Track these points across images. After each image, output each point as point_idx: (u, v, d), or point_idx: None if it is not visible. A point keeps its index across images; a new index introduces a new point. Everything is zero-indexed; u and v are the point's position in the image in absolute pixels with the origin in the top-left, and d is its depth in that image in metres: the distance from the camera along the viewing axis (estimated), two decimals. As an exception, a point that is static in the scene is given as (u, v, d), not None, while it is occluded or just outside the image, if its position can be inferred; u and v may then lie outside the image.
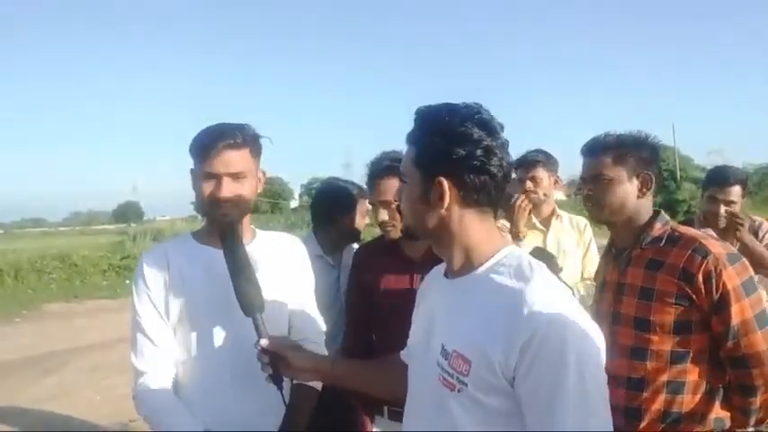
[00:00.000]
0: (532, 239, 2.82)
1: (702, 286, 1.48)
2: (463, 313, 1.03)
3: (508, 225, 2.53)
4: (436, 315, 1.11)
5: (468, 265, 1.06)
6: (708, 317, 1.50)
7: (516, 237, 2.43)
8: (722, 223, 2.76)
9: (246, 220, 1.57)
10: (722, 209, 2.74)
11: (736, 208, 2.78)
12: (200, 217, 1.65)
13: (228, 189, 1.45)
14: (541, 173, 2.82)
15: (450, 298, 1.09)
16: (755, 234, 2.87)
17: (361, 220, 2.59)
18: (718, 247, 1.51)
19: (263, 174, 1.58)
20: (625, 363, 1.58)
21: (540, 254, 2.49)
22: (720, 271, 1.47)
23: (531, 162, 2.82)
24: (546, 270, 1.02)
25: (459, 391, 0.98)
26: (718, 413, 1.55)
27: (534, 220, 2.89)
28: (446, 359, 1.01)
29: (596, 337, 0.95)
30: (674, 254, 1.54)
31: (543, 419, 0.91)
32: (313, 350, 1.46)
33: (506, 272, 1.01)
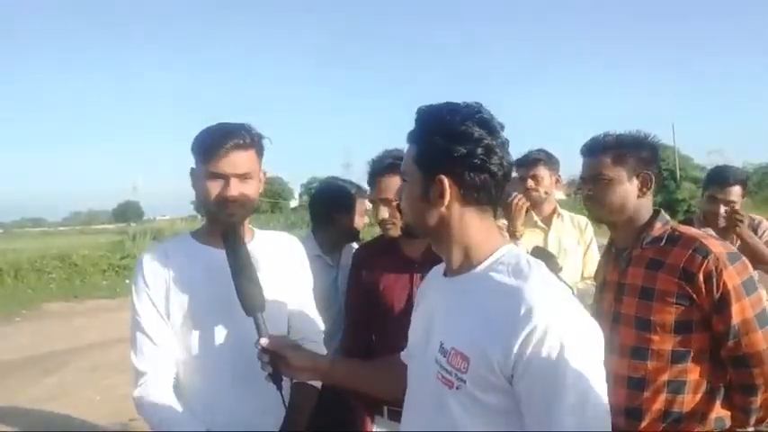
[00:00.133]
0: (533, 238, 2.83)
1: (703, 286, 1.48)
2: (462, 311, 1.03)
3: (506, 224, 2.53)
4: (435, 314, 1.11)
5: (468, 264, 1.06)
6: (708, 316, 1.50)
7: (513, 236, 2.44)
8: (722, 223, 2.76)
9: (245, 219, 1.57)
10: (722, 209, 2.75)
11: (737, 207, 2.79)
12: (199, 217, 1.65)
13: (236, 190, 1.44)
14: (542, 171, 2.83)
15: (448, 297, 1.09)
16: (754, 232, 2.88)
17: (360, 219, 2.59)
18: (718, 247, 1.51)
19: (264, 174, 1.59)
20: (626, 362, 1.58)
21: (541, 253, 2.49)
22: (721, 270, 1.47)
23: (532, 161, 2.83)
24: (544, 268, 1.02)
25: (457, 388, 0.98)
26: (719, 412, 1.55)
27: (535, 218, 2.90)
28: (445, 357, 1.01)
29: (595, 335, 0.95)
30: (674, 253, 1.54)
31: (541, 417, 0.91)
32: (312, 349, 1.46)
33: (505, 270, 1.01)
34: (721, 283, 1.46)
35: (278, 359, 1.28)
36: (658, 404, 1.55)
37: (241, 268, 1.37)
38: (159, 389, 1.46)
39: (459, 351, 0.99)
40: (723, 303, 1.47)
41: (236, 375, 1.47)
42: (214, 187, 1.45)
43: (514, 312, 0.92)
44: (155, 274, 1.49)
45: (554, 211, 2.88)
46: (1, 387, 5.52)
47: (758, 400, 1.51)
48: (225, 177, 1.44)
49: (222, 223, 1.48)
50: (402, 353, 1.28)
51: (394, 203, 1.85)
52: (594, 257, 2.74)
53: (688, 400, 1.54)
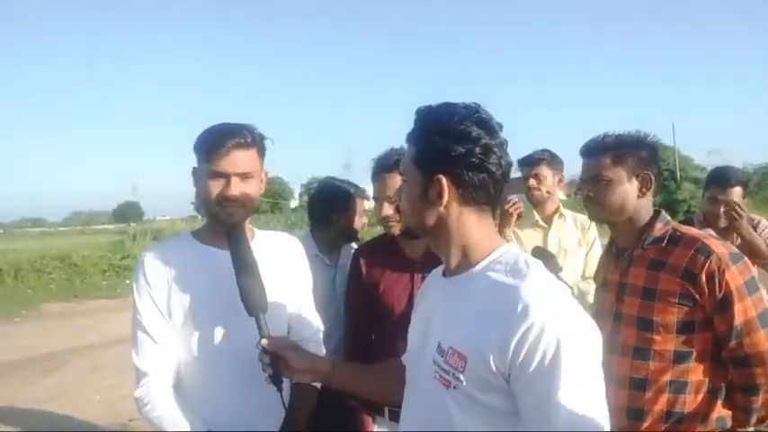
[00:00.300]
0: (532, 238, 2.83)
1: (706, 286, 1.48)
2: (459, 311, 1.03)
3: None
4: (433, 314, 1.11)
5: (466, 264, 1.06)
6: (711, 317, 1.50)
7: None
8: (723, 224, 2.77)
9: (246, 219, 1.56)
10: (722, 210, 2.75)
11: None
12: (200, 217, 1.65)
13: (237, 189, 1.44)
14: (545, 171, 2.84)
15: (446, 296, 1.09)
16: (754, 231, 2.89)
17: (359, 220, 2.59)
18: (720, 247, 1.51)
19: (266, 174, 1.58)
20: (627, 363, 1.58)
21: (541, 253, 2.50)
22: (723, 271, 1.47)
23: (535, 160, 2.84)
24: (542, 268, 1.02)
25: (454, 387, 0.98)
26: (720, 412, 1.55)
27: (537, 217, 2.90)
28: (442, 356, 1.01)
29: (593, 334, 0.95)
30: (676, 254, 1.54)
31: (537, 416, 0.90)
32: (312, 350, 1.46)
33: (503, 269, 1.01)
34: (724, 284, 1.46)
35: (278, 360, 1.28)
36: (660, 405, 1.54)
37: (245, 268, 1.37)
38: (160, 388, 1.45)
39: (456, 350, 0.99)
40: (725, 304, 1.47)
41: (236, 375, 1.47)
42: (215, 186, 1.45)
43: (511, 310, 0.92)
44: (156, 274, 1.49)
45: (556, 210, 2.88)
46: (1, 387, 5.52)
47: (759, 399, 1.51)
48: (226, 176, 1.44)
49: (223, 222, 1.47)
50: (404, 356, 1.28)
51: (397, 201, 1.85)
52: (597, 257, 2.74)
53: (690, 401, 1.53)
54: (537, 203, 2.90)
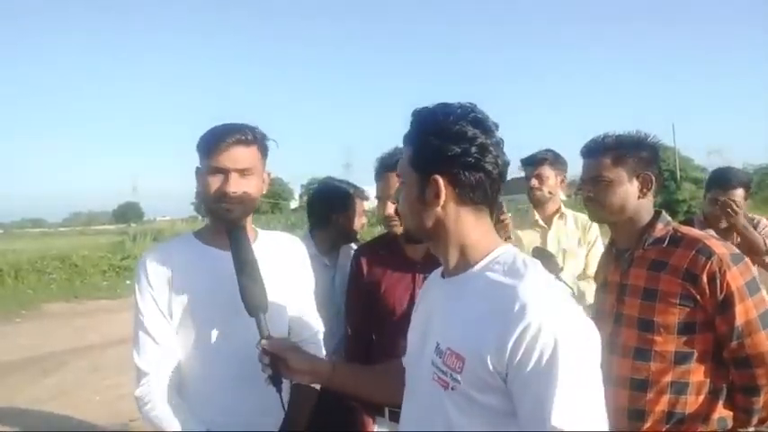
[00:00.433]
0: (532, 238, 2.84)
1: (707, 287, 1.47)
2: (457, 312, 1.02)
3: None
4: (432, 315, 1.11)
5: (464, 264, 1.06)
6: (712, 317, 1.50)
7: None
8: (724, 224, 2.78)
9: (249, 220, 1.56)
10: (719, 204, 2.77)
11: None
12: (200, 217, 1.65)
13: (235, 185, 1.44)
14: (547, 171, 2.84)
15: (445, 297, 1.09)
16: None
17: (358, 220, 2.59)
18: (721, 248, 1.51)
19: (269, 175, 1.58)
20: (628, 363, 1.58)
21: (541, 253, 2.50)
22: (724, 271, 1.47)
23: (538, 160, 2.85)
24: (541, 268, 1.01)
25: (452, 388, 0.97)
26: (722, 413, 1.55)
27: (536, 217, 2.90)
28: (440, 357, 1.01)
29: (591, 334, 0.94)
30: (677, 255, 1.54)
31: (535, 416, 0.89)
32: (313, 352, 1.46)
33: (500, 269, 1.00)
34: (725, 285, 1.46)
35: (278, 361, 1.28)
36: (661, 405, 1.54)
37: (245, 268, 1.37)
38: (161, 388, 1.45)
39: (454, 351, 0.98)
40: (727, 304, 1.47)
41: (236, 376, 1.47)
42: (214, 182, 1.45)
43: (508, 310, 0.91)
44: (158, 274, 1.49)
45: (557, 211, 2.88)
46: (1, 387, 5.51)
47: (761, 400, 1.51)
48: (225, 172, 1.44)
49: (221, 219, 1.48)
50: (404, 357, 1.28)
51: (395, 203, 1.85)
52: (599, 256, 2.74)
53: (691, 402, 1.53)
54: (538, 204, 2.89)
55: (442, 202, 1.03)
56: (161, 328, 1.48)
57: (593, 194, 1.68)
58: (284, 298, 1.57)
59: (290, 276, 1.63)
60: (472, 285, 1.02)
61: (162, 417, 1.44)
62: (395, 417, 1.81)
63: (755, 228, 2.93)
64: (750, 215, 3.05)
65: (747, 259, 1.55)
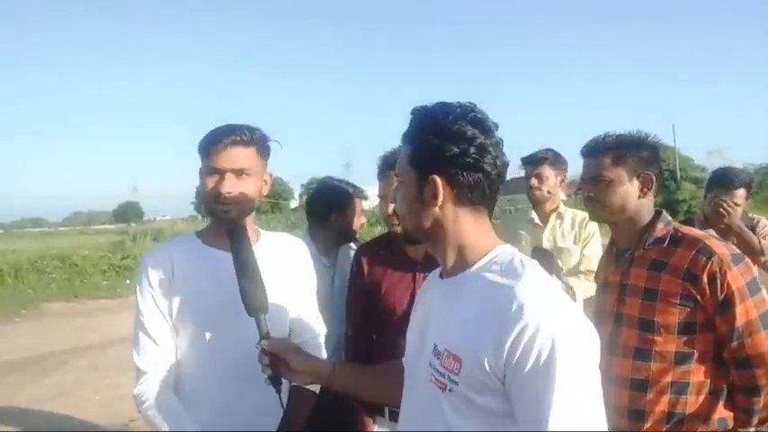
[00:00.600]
0: (528, 236, 2.84)
1: (707, 287, 1.47)
2: (455, 312, 1.02)
3: None
4: (430, 316, 1.10)
5: (462, 265, 1.05)
6: (712, 318, 1.50)
7: None
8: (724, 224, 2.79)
9: (250, 220, 1.56)
10: (713, 203, 2.78)
11: (740, 210, 2.81)
12: (200, 217, 1.65)
13: (231, 185, 1.44)
14: (547, 171, 2.85)
15: (443, 298, 1.08)
16: (753, 230, 2.92)
17: (358, 219, 2.59)
18: (722, 248, 1.51)
19: (270, 176, 1.58)
20: (629, 364, 1.58)
21: (542, 253, 2.49)
22: (725, 272, 1.46)
23: (538, 159, 2.85)
24: (539, 268, 1.01)
25: (450, 390, 0.97)
26: (722, 413, 1.55)
27: (533, 216, 2.91)
28: (438, 359, 1.00)
29: (589, 334, 0.93)
30: (677, 255, 1.54)
31: (532, 417, 0.88)
32: (313, 353, 1.45)
33: (498, 270, 0.99)
34: (725, 285, 1.46)
35: (278, 361, 1.28)
36: (662, 406, 1.54)
37: (245, 268, 1.36)
38: (160, 388, 1.45)
39: (451, 352, 0.97)
40: (727, 304, 1.47)
41: (236, 376, 1.47)
42: (211, 182, 1.46)
43: (506, 311, 0.91)
44: (159, 275, 1.49)
45: (554, 210, 2.89)
46: (1, 387, 5.51)
47: (761, 400, 1.51)
48: (221, 172, 1.44)
49: (219, 219, 1.48)
50: (404, 358, 1.28)
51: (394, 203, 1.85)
52: (594, 252, 2.74)
53: (691, 402, 1.53)
54: (537, 203, 2.90)
55: (440, 203, 1.02)
56: (161, 329, 1.48)
57: (593, 194, 1.68)
58: (285, 299, 1.57)
59: (292, 278, 1.62)
60: (470, 286, 1.02)
61: (160, 415, 1.44)
62: (395, 417, 1.81)
63: (755, 227, 2.94)
64: (750, 215, 3.06)
65: (748, 259, 1.55)
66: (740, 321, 1.46)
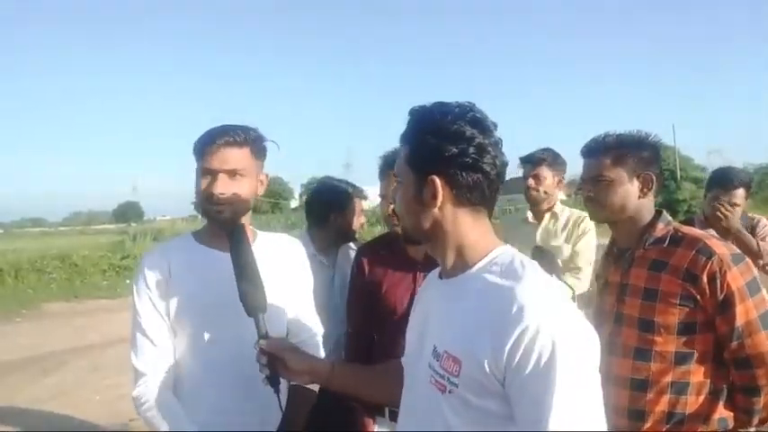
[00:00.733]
0: (521, 235, 2.84)
1: (707, 287, 1.47)
2: (454, 314, 1.01)
3: None
4: (429, 317, 1.10)
5: (462, 265, 1.04)
6: (712, 318, 1.50)
7: None
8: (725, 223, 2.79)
9: (247, 220, 1.56)
10: (711, 205, 2.79)
11: (740, 210, 2.82)
12: (199, 217, 1.65)
13: (223, 186, 1.44)
14: (545, 171, 2.84)
15: (442, 299, 1.07)
16: (753, 230, 2.92)
17: (357, 219, 2.59)
18: (722, 248, 1.51)
19: (266, 176, 1.57)
20: (629, 364, 1.57)
21: (542, 253, 2.49)
22: (725, 272, 1.46)
23: (536, 160, 2.85)
24: (539, 268, 1.00)
25: (449, 392, 0.96)
26: (722, 413, 1.54)
27: (527, 215, 2.93)
28: (437, 360, 0.99)
29: (589, 336, 0.93)
30: (677, 255, 1.53)
31: (532, 419, 0.88)
32: (312, 352, 1.45)
33: (498, 270, 0.99)
34: (725, 285, 1.46)
35: (276, 361, 1.27)
36: (662, 406, 1.54)
37: (244, 270, 1.36)
38: (158, 389, 1.45)
39: (451, 354, 0.97)
40: (727, 304, 1.46)
41: (235, 376, 1.47)
42: (204, 183, 1.46)
43: (506, 312, 0.90)
44: (156, 275, 1.49)
45: (549, 209, 2.89)
46: (1, 387, 5.51)
47: (761, 400, 1.50)
48: (214, 173, 1.44)
49: (213, 220, 1.48)
50: (403, 358, 1.27)
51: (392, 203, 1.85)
52: (585, 249, 2.74)
53: (691, 402, 1.53)
54: (534, 203, 2.90)
55: (439, 203, 1.02)
56: (158, 330, 1.48)
57: (593, 194, 1.68)
58: (283, 300, 1.57)
59: (289, 278, 1.62)
60: (470, 287, 1.01)
61: (159, 416, 1.44)
62: (395, 417, 1.80)
63: (755, 227, 2.94)
64: (750, 215, 3.06)
65: (748, 259, 1.55)
66: (740, 321, 1.46)
